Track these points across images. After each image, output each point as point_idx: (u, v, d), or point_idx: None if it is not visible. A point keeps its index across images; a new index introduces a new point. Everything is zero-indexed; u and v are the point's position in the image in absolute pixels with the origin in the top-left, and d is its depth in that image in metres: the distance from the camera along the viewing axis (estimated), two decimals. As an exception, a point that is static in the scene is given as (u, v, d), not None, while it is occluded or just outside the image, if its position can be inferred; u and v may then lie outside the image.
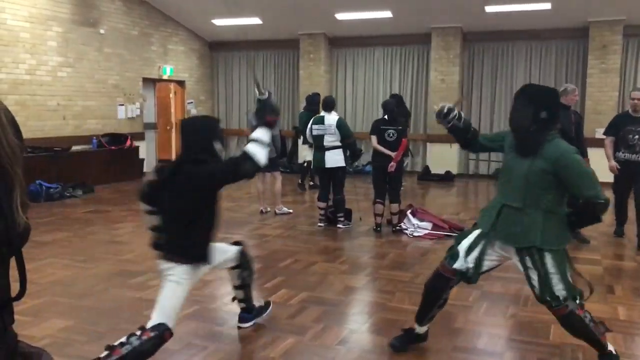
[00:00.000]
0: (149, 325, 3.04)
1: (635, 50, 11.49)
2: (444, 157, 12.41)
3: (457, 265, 3.32)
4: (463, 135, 3.62)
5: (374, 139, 7.15)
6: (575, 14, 11.02)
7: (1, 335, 1.38)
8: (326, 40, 13.47)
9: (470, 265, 3.30)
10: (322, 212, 7.45)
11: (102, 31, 11.22)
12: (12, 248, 1.35)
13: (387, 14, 11.73)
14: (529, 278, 3.18)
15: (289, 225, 7.52)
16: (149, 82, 12.96)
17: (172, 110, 13.97)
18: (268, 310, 4.10)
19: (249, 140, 3.27)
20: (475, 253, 3.29)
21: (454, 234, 6.78)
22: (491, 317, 4.26)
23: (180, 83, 13.85)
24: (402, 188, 7.41)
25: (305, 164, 10.38)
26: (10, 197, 1.31)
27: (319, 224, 7.42)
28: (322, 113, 7.46)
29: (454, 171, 12.40)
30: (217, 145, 3.25)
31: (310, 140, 7.68)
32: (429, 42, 12.57)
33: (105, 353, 2.88)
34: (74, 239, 6.62)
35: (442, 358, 3.52)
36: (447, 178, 12.18)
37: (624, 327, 4.05)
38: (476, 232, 3.35)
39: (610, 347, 3.31)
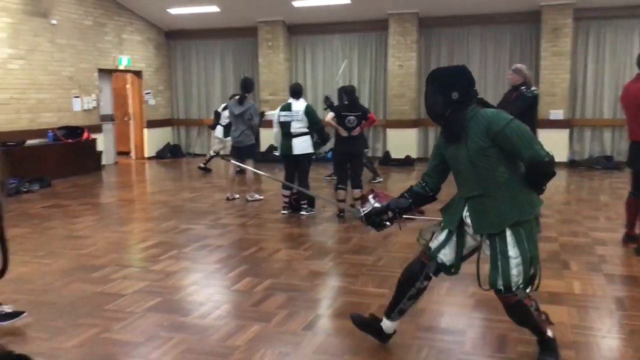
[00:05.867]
0: None
1: (585, 33, 11.80)
2: (403, 141, 12.58)
3: (434, 252, 3.23)
4: (424, 201, 3.54)
5: (330, 116, 7.22)
6: (528, -2, 11.25)
7: None
8: (285, 27, 13.39)
9: (447, 258, 3.20)
10: (286, 199, 7.46)
11: (54, 21, 10.89)
12: None
13: (345, 0, 11.73)
14: (494, 261, 3.00)
15: (252, 213, 7.51)
16: (105, 73, 12.66)
17: (130, 101, 13.75)
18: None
19: None
20: (448, 248, 3.19)
21: (415, 217, 6.91)
22: (452, 296, 4.35)
23: (137, 73, 13.59)
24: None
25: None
26: None
27: (283, 212, 7.43)
28: (290, 100, 7.46)
29: (414, 155, 12.56)
30: None
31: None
32: (387, 28, 12.64)
33: None
34: (32, 234, 6.47)
35: (406, 338, 3.58)
36: (407, 162, 12.33)
37: (578, 300, 4.20)
38: (444, 233, 3.22)
39: (549, 332, 3.20)
